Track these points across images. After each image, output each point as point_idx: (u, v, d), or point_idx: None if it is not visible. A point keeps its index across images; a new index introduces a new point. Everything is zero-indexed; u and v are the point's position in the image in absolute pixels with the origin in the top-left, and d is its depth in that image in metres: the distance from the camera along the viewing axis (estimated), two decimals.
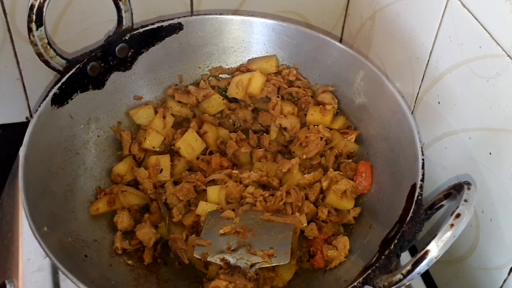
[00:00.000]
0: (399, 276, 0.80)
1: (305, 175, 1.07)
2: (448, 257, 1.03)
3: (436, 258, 0.78)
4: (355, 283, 0.85)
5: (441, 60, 1.01)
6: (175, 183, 1.08)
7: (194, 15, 1.24)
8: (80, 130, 1.08)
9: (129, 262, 1.00)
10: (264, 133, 1.17)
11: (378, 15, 1.21)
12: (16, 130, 1.08)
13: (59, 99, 1.03)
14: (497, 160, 0.91)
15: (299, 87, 1.18)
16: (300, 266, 1.01)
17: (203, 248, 0.97)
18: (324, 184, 1.06)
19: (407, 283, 0.81)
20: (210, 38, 1.20)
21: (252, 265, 0.94)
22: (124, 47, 1.12)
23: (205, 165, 1.10)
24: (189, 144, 1.11)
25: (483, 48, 0.90)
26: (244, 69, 1.21)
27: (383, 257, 0.86)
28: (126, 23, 1.10)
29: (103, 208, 1.04)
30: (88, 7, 1.17)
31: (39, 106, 1.00)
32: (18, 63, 1.20)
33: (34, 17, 0.98)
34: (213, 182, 1.07)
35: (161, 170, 1.08)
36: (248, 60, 1.22)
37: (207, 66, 1.23)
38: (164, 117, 1.14)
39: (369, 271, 0.85)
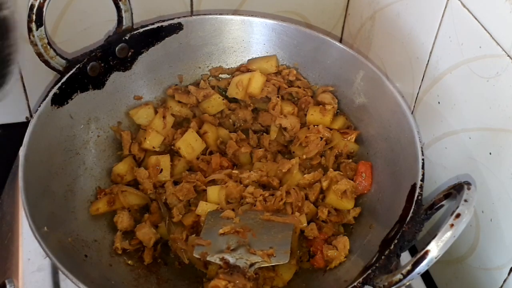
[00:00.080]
0: (399, 276, 0.80)
1: (305, 175, 1.07)
2: (448, 257, 1.03)
3: (436, 258, 0.78)
4: (355, 283, 0.85)
5: (441, 60, 1.01)
6: (175, 183, 1.08)
7: (194, 15, 1.24)
8: (80, 130, 1.08)
9: (129, 262, 1.00)
10: (264, 133, 1.17)
11: (378, 15, 1.21)
12: (16, 130, 1.08)
13: (59, 99, 1.03)
14: (497, 160, 0.91)
15: (299, 87, 1.18)
16: (300, 266, 1.01)
17: (203, 247, 0.97)
18: (324, 184, 1.06)
19: (407, 283, 0.81)
20: (210, 38, 1.20)
21: (252, 265, 0.94)
22: (124, 47, 1.12)
23: (205, 165, 1.10)
24: (189, 144, 1.11)
25: (483, 48, 0.90)
26: (244, 69, 1.21)
27: (383, 257, 0.86)
28: (126, 23, 1.10)
29: (103, 208, 1.04)
30: (88, 7, 1.17)
31: (39, 106, 1.00)
32: (18, 63, 1.19)
33: (34, 17, 0.98)
34: (213, 182, 1.07)
35: (161, 170, 1.08)
36: (248, 60, 1.22)
37: (207, 66, 1.23)
38: (164, 117, 1.14)
39: (369, 271, 0.85)
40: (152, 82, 1.19)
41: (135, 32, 1.12)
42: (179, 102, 1.18)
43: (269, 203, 1.03)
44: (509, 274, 0.93)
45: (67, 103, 1.05)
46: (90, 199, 1.06)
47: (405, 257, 0.97)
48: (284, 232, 0.99)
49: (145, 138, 1.11)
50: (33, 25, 0.98)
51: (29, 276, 0.99)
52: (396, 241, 0.87)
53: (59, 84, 1.03)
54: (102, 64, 1.10)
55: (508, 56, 0.85)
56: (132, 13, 1.10)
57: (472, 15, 0.91)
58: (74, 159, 1.06)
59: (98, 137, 1.11)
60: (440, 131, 1.05)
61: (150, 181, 1.07)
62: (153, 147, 1.12)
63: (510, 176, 0.89)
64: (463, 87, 0.96)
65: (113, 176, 1.09)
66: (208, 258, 0.96)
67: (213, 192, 1.04)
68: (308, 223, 1.03)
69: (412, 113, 1.09)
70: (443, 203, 0.90)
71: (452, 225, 0.79)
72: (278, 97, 1.16)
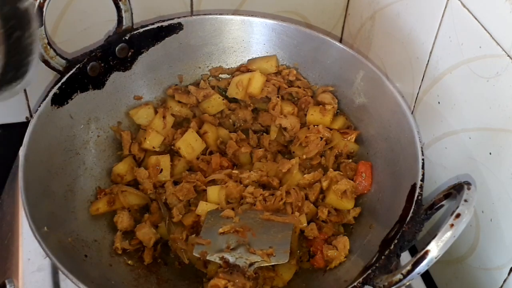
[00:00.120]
0: (399, 276, 0.80)
1: (305, 175, 1.07)
2: (448, 257, 1.03)
3: (436, 258, 0.78)
4: (355, 283, 0.85)
5: (441, 60, 1.01)
6: (175, 183, 1.08)
7: (194, 15, 1.24)
8: (80, 130, 1.08)
9: (129, 262, 1.00)
10: (264, 133, 1.17)
11: (378, 15, 1.21)
12: (16, 130, 1.09)
13: (59, 99, 1.03)
14: (497, 160, 0.91)
15: (299, 87, 1.18)
16: (300, 266, 1.01)
17: (203, 246, 0.97)
18: (324, 184, 1.06)
19: (407, 283, 0.81)
20: (210, 38, 1.20)
21: (251, 264, 0.94)
22: (124, 47, 1.12)
23: (205, 165, 1.10)
24: (189, 144, 1.11)
25: (483, 48, 0.90)
26: (244, 69, 1.21)
27: (383, 257, 0.86)
28: (126, 23, 1.10)
29: (103, 208, 1.04)
30: (88, 7, 1.17)
31: (39, 106, 1.00)
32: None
33: None
34: (213, 182, 1.07)
35: (161, 170, 1.08)
36: (248, 60, 1.22)
37: (207, 66, 1.23)
38: (164, 117, 1.14)
39: (369, 271, 0.85)
40: (152, 82, 1.19)
41: (135, 32, 1.12)
42: (179, 102, 1.18)
43: (269, 203, 1.03)
44: (509, 274, 0.93)
45: (67, 103, 1.05)
46: (90, 199, 1.06)
47: (405, 257, 0.97)
48: (284, 231, 0.99)
49: (145, 138, 1.11)
50: None
51: (29, 276, 0.99)
52: (396, 241, 0.87)
53: (59, 84, 1.03)
54: (102, 64, 1.10)
55: (508, 56, 0.85)
56: (132, 13, 1.10)
57: (472, 15, 0.91)
58: (74, 159, 1.06)
59: (98, 137, 1.11)
60: (440, 131, 1.05)
61: (150, 181, 1.07)
62: (153, 147, 1.12)
63: (510, 176, 0.89)
64: (463, 87, 0.96)
65: (113, 176, 1.09)
66: (207, 257, 0.96)
67: (213, 192, 1.05)
68: (308, 223, 1.03)
69: (412, 113, 1.09)
70: (443, 203, 0.90)
71: (452, 225, 0.79)
72: (278, 97, 1.16)
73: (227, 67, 1.23)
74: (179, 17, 1.16)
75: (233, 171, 1.07)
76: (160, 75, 1.19)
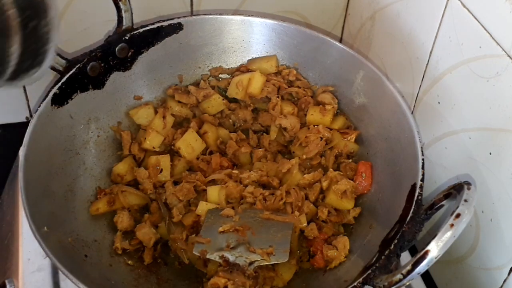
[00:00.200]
0: (399, 276, 0.80)
1: (305, 175, 1.07)
2: (448, 257, 1.03)
3: (436, 258, 0.78)
4: (355, 283, 0.85)
5: (441, 60, 1.01)
6: (175, 183, 1.08)
7: (194, 15, 1.24)
8: (80, 130, 1.08)
9: (129, 262, 1.00)
10: (264, 133, 1.17)
11: (378, 15, 1.21)
12: (16, 130, 1.08)
13: (59, 99, 1.03)
14: (497, 160, 0.91)
15: (299, 87, 1.18)
16: (300, 266, 1.01)
17: (203, 245, 0.97)
18: (324, 184, 1.06)
19: (407, 283, 0.81)
20: (210, 38, 1.19)
21: (251, 263, 0.94)
22: (124, 47, 1.12)
23: (205, 165, 1.10)
24: (189, 144, 1.11)
25: (483, 48, 0.90)
26: (244, 69, 1.21)
27: (383, 257, 0.86)
28: (126, 23, 1.10)
29: (103, 208, 1.04)
30: (88, 7, 1.17)
31: (39, 106, 1.00)
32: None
33: None
34: (213, 182, 1.07)
35: (161, 170, 1.08)
36: (248, 60, 1.22)
37: (207, 66, 1.23)
38: (164, 117, 1.14)
39: (369, 271, 0.85)
40: (152, 82, 1.19)
41: (135, 32, 1.12)
42: (179, 102, 1.18)
43: (269, 202, 1.03)
44: (509, 274, 0.93)
45: (67, 103, 1.05)
46: (90, 199, 1.06)
47: (405, 257, 0.97)
48: (284, 231, 0.99)
49: (145, 138, 1.11)
50: None
51: (29, 276, 0.99)
52: (396, 241, 0.87)
53: (59, 84, 1.03)
54: (102, 64, 1.10)
55: (508, 56, 0.85)
56: (132, 13, 1.10)
57: (472, 15, 0.91)
58: (74, 159, 1.06)
59: (98, 137, 1.11)
60: (440, 131, 1.05)
61: (150, 181, 1.07)
62: (153, 147, 1.12)
63: (510, 176, 0.89)
64: (463, 87, 0.96)
65: (113, 176, 1.09)
66: (207, 256, 0.96)
67: (213, 192, 1.05)
68: (308, 223, 1.03)
69: (412, 113, 1.09)
70: (443, 203, 0.90)
71: (452, 225, 0.79)
72: (278, 97, 1.16)
73: (227, 67, 1.23)
74: (179, 17, 1.16)
75: (233, 171, 1.07)
76: (160, 75, 1.19)
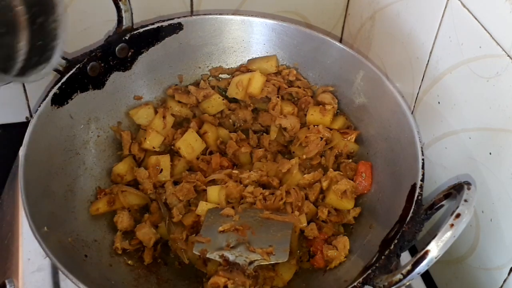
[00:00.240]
0: (399, 276, 0.80)
1: (305, 175, 1.07)
2: (448, 257, 1.03)
3: (436, 258, 0.78)
4: (355, 283, 0.85)
5: (441, 60, 1.01)
6: (175, 183, 1.08)
7: (194, 15, 1.24)
8: (80, 130, 1.08)
9: (129, 262, 1.00)
10: (264, 133, 1.17)
11: (378, 15, 1.21)
12: (16, 130, 1.09)
13: (59, 99, 1.03)
14: (497, 160, 0.91)
15: (299, 87, 1.18)
16: (300, 266, 1.01)
17: (203, 244, 0.97)
18: (324, 184, 1.06)
19: (407, 283, 0.81)
20: (210, 38, 1.20)
21: (251, 262, 0.94)
22: (124, 47, 1.12)
23: (205, 165, 1.10)
24: (189, 144, 1.11)
25: (483, 48, 0.90)
26: (244, 69, 1.21)
27: (383, 257, 0.86)
28: (126, 23, 1.10)
29: (103, 208, 1.04)
30: (88, 7, 1.17)
31: (39, 106, 1.00)
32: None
33: None
34: (213, 182, 1.07)
35: (161, 170, 1.08)
36: (248, 60, 1.22)
37: (207, 66, 1.23)
38: (164, 117, 1.14)
39: (369, 271, 0.85)
40: (152, 82, 1.19)
41: (135, 32, 1.12)
42: (179, 102, 1.18)
43: (269, 202, 1.03)
44: (509, 274, 0.93)
45: (67, 103, 1.05)
46: (90, 199, 1.06)
47: (405, 257, 0.97)
48: (284, 230, 0.99)
49: (145, 138, 1.11)
50: None
51: (29, 276, 0.99)
52: (396, 241, 0.87)
53: (59, 84, 1.03)
54: (102, 64, 1.10)
55: (508, 56, 0.85)
56: (132, 13, 1.10)
57: (472, 15, 0.91)
58: (74, 159, 1.06)
59: (98, 137, 1.11)
60: (440, 131, 1.05)
61: (150, 181, 1.07)
62: (153, 147, 1.12)
63: (510, 176, 0.89)
64: (463, 87, 0.96)
65: (113, 176, 1.09)
66: (207, 255, 0.96)
67: (213, 192, 1.04)
68: (308, 223, 1.03)
69: (412, 113, 1.09)
70: (443, 203, 0.90)
71: (452, 225, 0.79)
72: (278, 97, 1.16)
73: (227, 67, 1.23)
74: (179, 17, 1.16)
75: (233, 171, 1.07)
76: (160, 75, 1.19)
